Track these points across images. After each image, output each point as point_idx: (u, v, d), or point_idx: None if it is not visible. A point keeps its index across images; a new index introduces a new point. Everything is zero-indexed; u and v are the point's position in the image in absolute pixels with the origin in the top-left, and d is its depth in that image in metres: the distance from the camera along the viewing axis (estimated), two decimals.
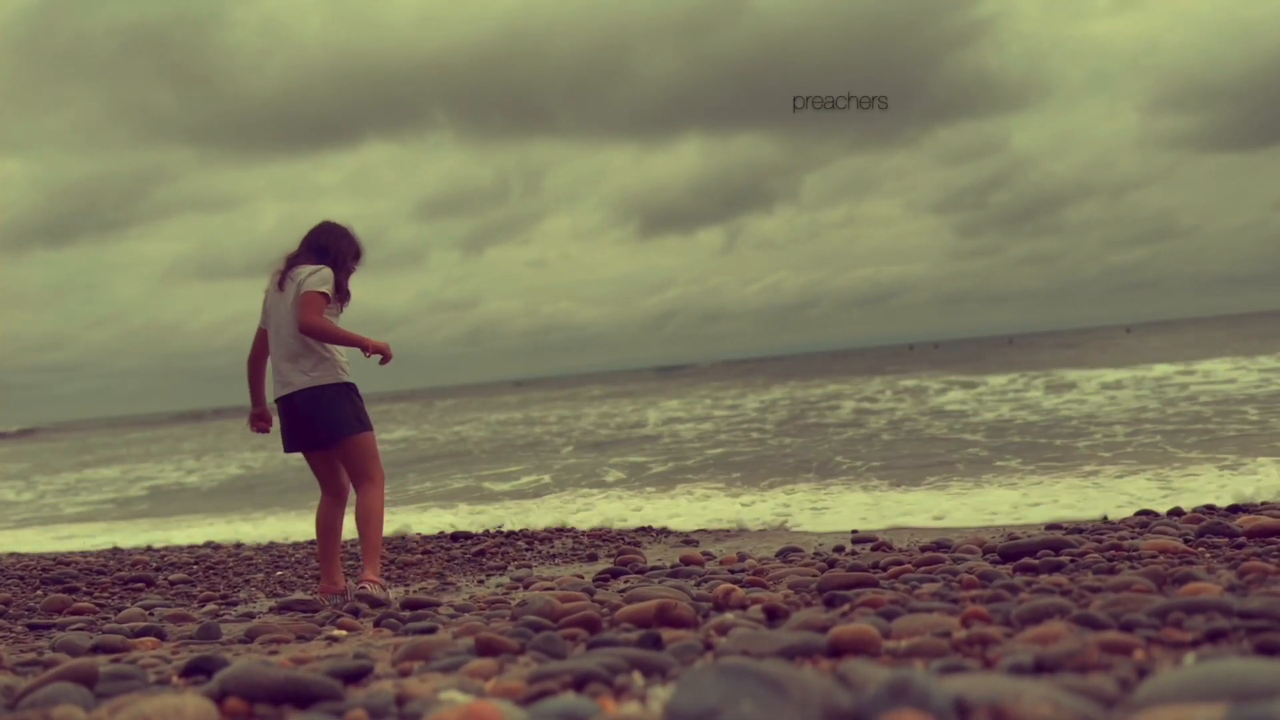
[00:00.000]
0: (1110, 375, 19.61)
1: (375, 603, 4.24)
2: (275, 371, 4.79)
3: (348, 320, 4.92)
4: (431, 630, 3.11)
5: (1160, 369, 20.35)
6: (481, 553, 6.73)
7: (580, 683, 1.77)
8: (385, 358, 4.77)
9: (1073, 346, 48.62)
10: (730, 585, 3.34)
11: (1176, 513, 5.78)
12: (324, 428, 4.69)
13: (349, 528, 5.13)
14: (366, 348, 4.70)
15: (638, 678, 1.85)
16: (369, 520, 4.76)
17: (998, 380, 22.50)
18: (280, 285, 4.76)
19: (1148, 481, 7.55)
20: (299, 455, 4.89)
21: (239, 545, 8.11)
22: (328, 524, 4.89)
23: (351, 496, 4.93)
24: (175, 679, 2.21)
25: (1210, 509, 5.88)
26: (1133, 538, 4.44)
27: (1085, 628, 2.05)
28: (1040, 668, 1.54)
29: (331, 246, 4.83)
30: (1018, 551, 4.07)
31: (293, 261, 4.81)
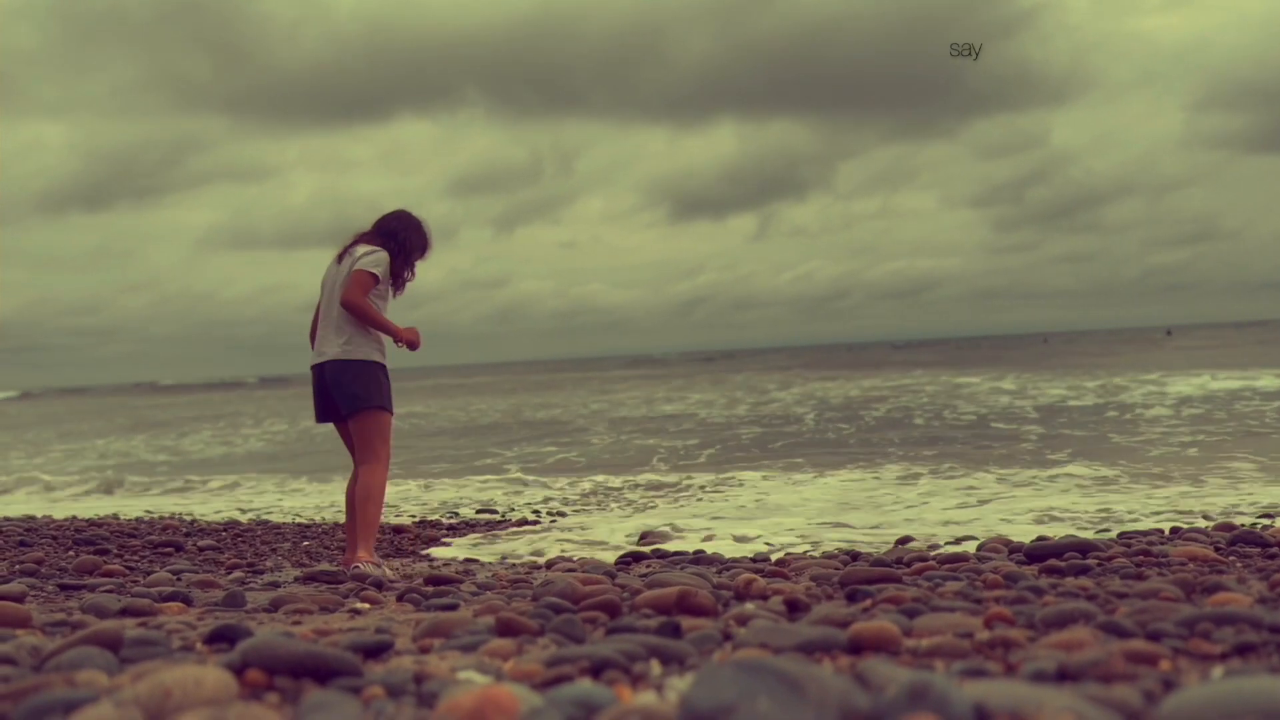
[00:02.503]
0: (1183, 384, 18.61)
1: (374, 582, 4.24)
2: (317, 341, 4.87)
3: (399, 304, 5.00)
4: (453, 607, 3.13)
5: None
6: (504, 528, 6.77)
7: (598, 669, 1.77)
8: (414, 346, 4.83)
9: (1113, 350, 47.84)
10: (752, 575, 3.34)
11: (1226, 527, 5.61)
12: (343, 397, 4.74)
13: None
14: (398, 337, 4.77)
15: (655, 666, 1.85)
16: (367, 499, 4.75)
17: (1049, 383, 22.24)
18: (339, 259, 4.85)
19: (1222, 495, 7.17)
20: (323, 428, 4.97)
21: (268, 513, 8.21)
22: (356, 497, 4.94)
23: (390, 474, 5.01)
24: (199, 646, 2.23)
25: (1238, 523, 5.79)
26: (1162, 543, 4.39)
27: (1110, 635, 2.02)
28: (1063, 676, 1.52)
29: (401, 233, 4.92)
30: (1043, 553, 4.03)
31: (359, 239, 4.90)
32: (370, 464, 4.79)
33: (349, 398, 4.74)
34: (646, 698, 1.45)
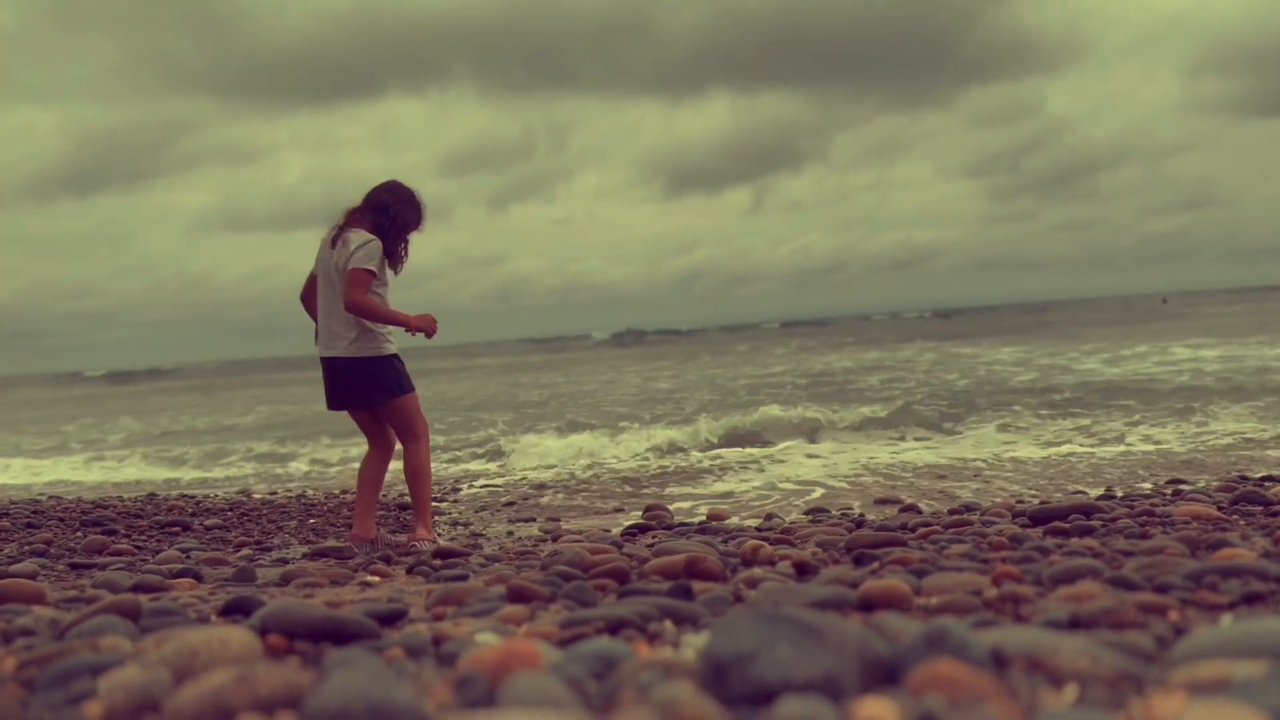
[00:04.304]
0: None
1: (382, 557, 4.26)
2: (321, 328, 4.85)
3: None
4: (463, 578, 3.15)
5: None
6: (511, 502, 6.81)
7: (613, 628, 1.79)
8: (429, 333, 4.83)
9: (1109, 318, 47.74)
10: (758, 542, 3.36)
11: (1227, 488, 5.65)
12: (367, 394, 4.79)
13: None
14: (410, 327, 4.77)
15: (670, 626, 1.87)
16: (416, 477, 4.90)
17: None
18: (333, 243, 4.78)
19: None
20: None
21: (273, 493, 8.24)
22: (370, 475, 4.99)
23: (398, 451, 5.06)
24: (214, 618, 2.25)
25: (1243, 478, 5.83)
26: (1165, 504, 4.41)
27: (1119, 589, 2.04)
28: (1075, 624, 1.53)
29: (393, 207, 4.83)
30: (1048, 515, 4.06)
31: (351, 218, 4.82)
32: (410, 444, 4.90)
33: (374, 393, 4.79)
34: (664, 653, 1.47)
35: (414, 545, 4.70)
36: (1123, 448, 8.01)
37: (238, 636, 1.30)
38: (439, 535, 5.42)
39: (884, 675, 1.13)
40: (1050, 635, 1.22)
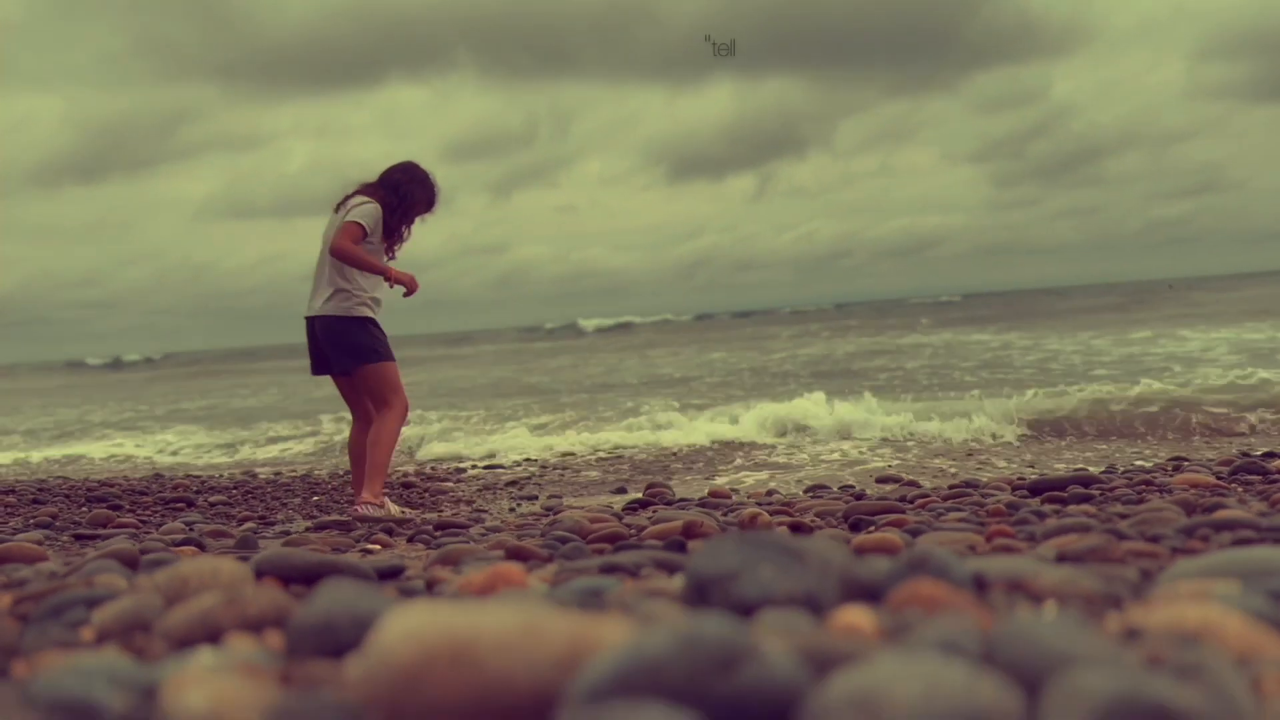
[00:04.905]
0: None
1: (385, 528, 4.27)
2: (311, 291, 4.90)
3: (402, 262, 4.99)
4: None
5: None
6: (514, 481, 6.83)
7: (606, 572, 1.80)
8: (409, 290, 4.80)
9: (1114, 304, 47.57)
10: (757, 510, 3.38)
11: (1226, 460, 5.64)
12: (341, 356, 4.80)
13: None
14: (389, 277, 4.75)
15: (661, 575, 1.88)
16: (377, 442, 4.79)
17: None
18: (337, 208, 4.87)
19: None
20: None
21: (277, 473, 8.27)
22: (360, 449, 5.00)
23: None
24: None
25: (1245, 454, 5.83)
26: (1165, 476, 4.42)
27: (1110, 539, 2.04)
28: (1062, 559, 1.54)
29: (404, 186, 4.88)
30: (1047, 485, 4.07)
31: (361, 190, 4.90)
32: (383, 411, 4.88)
33: (346, 357, 4.79)
34: (651, 582, 1.48)
35: (357, 510, 4.65)
36: (1123, 429, 8.00)
37: (229, 566, 1.31)
38: (439, 513, 5.43)
39: (866, 597, 1.14)
40: (1033, 564, 1.23)
